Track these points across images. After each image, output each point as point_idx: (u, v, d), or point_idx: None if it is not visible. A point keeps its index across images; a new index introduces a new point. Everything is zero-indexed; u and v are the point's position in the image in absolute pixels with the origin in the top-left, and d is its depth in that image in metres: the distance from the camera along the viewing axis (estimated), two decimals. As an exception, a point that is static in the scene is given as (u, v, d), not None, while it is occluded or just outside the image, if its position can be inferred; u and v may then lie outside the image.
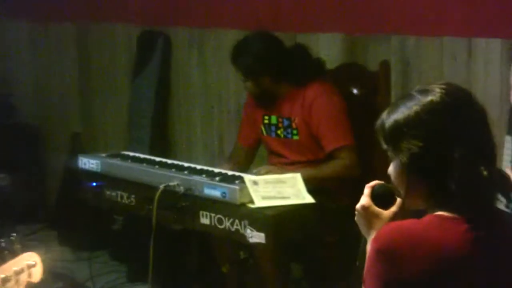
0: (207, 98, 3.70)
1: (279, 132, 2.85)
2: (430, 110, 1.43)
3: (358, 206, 1.57)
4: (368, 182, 1.58)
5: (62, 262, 3.63)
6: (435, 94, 1.44)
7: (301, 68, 2.80)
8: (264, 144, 2.95)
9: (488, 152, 1.45)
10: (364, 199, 1.57)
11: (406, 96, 1.48)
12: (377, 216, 1.55)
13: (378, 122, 1.49)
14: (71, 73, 4.35)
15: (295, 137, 2.80)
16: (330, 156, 2.74)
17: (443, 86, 1.46)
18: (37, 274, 1.81)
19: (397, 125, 1.44)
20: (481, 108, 1.47)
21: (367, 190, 1.57)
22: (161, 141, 3.81)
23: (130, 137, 3.90)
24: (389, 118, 1.46)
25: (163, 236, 2.58)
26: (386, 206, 1.55)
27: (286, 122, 2.81)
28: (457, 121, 1.42)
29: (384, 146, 1.48)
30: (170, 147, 3.85)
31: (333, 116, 2.72)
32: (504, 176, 1.48)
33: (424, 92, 1.46)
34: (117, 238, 3.47)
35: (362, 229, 1.58)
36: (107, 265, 3.60)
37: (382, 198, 1.56)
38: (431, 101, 1.43)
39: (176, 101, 3.85)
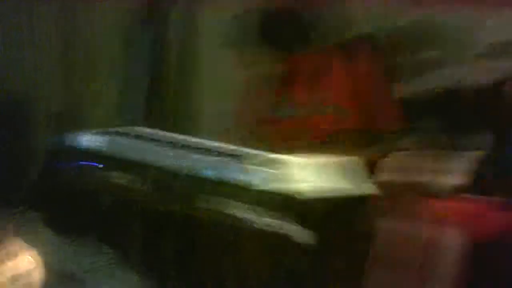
0: (220, 57, 3.36)
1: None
2: None
3: None
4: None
5: (45, 246, 3.35)
6: None
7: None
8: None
9: None
10: None
11: None
12: None
13: None
14: (53, 43, 4.01)
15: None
16: None
17: None
18: (37, 277, 1.72)
19: None
20: None
21: None
22: (162, 119, 3.52)
23: (122, 115, 3.63)
24: None
25: (157, 219, 2.38)
26: None
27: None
28: None
29: None
30: (176, 123, 3.54)
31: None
32: None
33: None
34: (107, 221, 3.13)
35: None
36: (94, 248, 3.21)
37: None
38: None
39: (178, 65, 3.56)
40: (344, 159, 2.26)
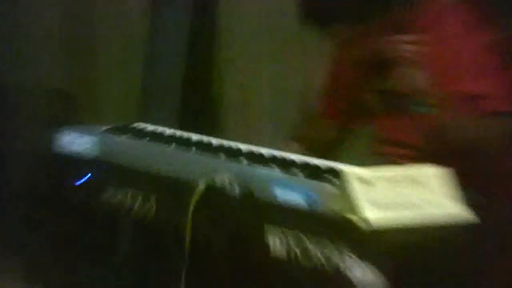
0: (277, 35, 3.22)
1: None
2: None
3: None
4: None
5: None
6: None
7: None
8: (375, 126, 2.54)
9: None
10: None
11: None
12: None
13: None
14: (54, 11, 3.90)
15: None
16: None
17: None
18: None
19: None
20: None
21: None
22: (199, 112, 3.41)
23: (146, 106, 3.53)
24: None
25: (203, 266, 2.02)
26: None
27: None
28: None
29: None
30: (215, 120, 3.42)
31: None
32: None
33: None
34: (123, 270, 2.65)
35: None
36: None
37: None
38: None
39: (224, 46, 3.40)
40: (431, 171, 1.84)
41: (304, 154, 2.19)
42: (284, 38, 3.22)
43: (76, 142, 2.22)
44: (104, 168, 2.20)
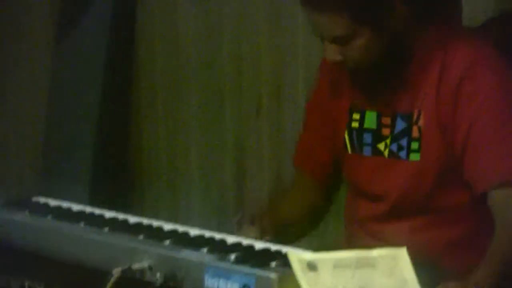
0: (214, 77, 2.97)
1: (380, 146, 2.14)
2: None
3: None
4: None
5: None
6: None
7: None
8: (346, 172, 2.25)
9: None
10: None
11: None
12: None
13: None
14: None
15: (414, 157, 2.09)
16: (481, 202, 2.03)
17: None
18: None
19: None
20: None
21: None
22: (114, 183, 3.20)
23: (48, 175, 3.27)
24: None
25: None
26: None
27: (400, 124, 2.11)
28: None
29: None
30: (135, 189, 3.22)
31: (504, 119, 2.01)
32: None
33: None
34: None
35: None
36: None
37: None
38: None
39: (147, 90, 3.15)
40: (380, 252, 1.75)
41: (265, 239, 2.08)
42: (217, 89, 3.06)
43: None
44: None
